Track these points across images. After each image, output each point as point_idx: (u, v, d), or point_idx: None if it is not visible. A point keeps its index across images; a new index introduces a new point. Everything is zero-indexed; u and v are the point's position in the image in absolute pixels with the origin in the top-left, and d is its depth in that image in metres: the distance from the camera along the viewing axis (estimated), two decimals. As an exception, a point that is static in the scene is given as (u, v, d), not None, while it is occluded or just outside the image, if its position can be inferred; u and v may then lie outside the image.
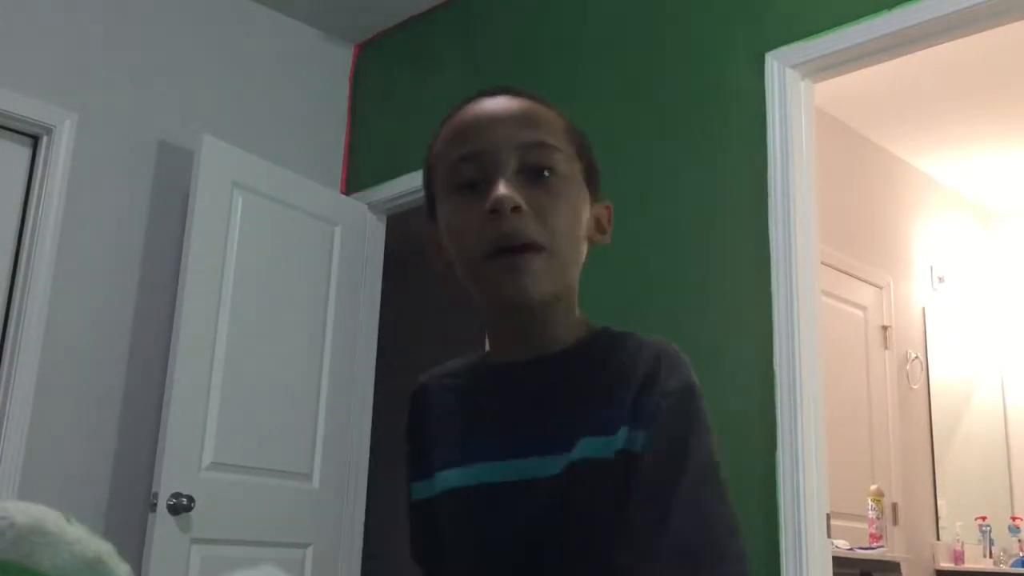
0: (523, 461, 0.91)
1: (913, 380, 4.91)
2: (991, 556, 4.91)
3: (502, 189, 0.89)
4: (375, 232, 3.96)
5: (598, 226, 0.99)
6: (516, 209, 0.88)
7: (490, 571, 0.92)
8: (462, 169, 0.92)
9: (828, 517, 2.51)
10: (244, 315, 3.38)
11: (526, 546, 0.90)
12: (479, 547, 0.94)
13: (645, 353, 0.91)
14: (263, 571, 0.55)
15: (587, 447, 0.87)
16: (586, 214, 0.96)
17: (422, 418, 1.05)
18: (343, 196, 3.95)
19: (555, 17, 3.42)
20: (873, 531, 4.33)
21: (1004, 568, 4.85)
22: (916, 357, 4.96)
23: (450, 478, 0.97)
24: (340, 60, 4.15)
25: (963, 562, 4.83)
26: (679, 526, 0.82)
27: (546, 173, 0.91)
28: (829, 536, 2.51)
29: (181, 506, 3.08)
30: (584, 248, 0.96)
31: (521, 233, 0.89)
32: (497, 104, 0.95)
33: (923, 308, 5.10)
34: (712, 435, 0.89)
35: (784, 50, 2.72)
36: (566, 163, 0.94)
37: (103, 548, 0.58)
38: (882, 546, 4.34)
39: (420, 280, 5.57)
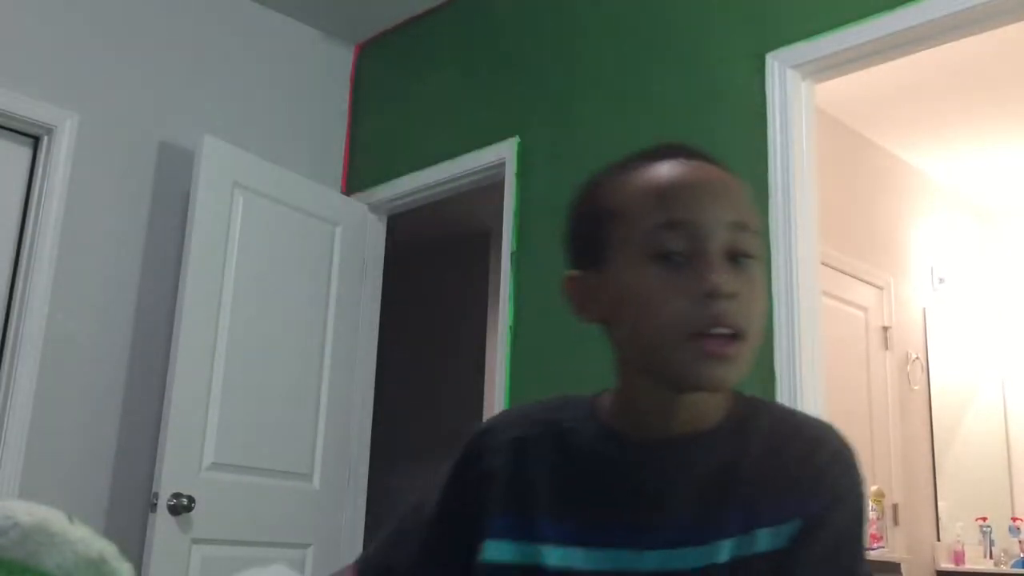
0: (672, 551, 0.85)
1: (913, 381, 4.91)
2: (991, 557, 4.91)
3: (720, 272, 0.85)
4: (376, 232, 3.96)
5: None
6: (731, 295, 0.84)
7: None
8: (666, 238, 0.86)
9: (829, 517, 2.51)
10: (244, 315, 3.38)
11: None
12: None
13: (819, 449, 0.88)
14: (273, 570, 0.55)
15: (763, 540, 0.83)
16: None
17: (519, 470, 0.94)
18: (343, 196, 3.95)
19: (555, 17, 3.42)
20: (874, 532, 4.32)
21: (1004, 569, 4.84)
22: (916, 358, 4.95)
23: (566, 557, 0.88)
24: (340, 60, 4.15)
25: (963, 563, 4.82)
26: None
27: (747, 259, 0.87)
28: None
29: (181, 506, 3.08)
30: None
31: (733, 321, 0.84)
32: (703, 173, 0.90)
33: (923, 309, 5.10)
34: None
35: (785, 51, 2.72)
36: (760, 246, 0.90)
37: (106, 548, 0.58)
38: (882, 547, 4.34)
39: (421, 280, 5.58)
